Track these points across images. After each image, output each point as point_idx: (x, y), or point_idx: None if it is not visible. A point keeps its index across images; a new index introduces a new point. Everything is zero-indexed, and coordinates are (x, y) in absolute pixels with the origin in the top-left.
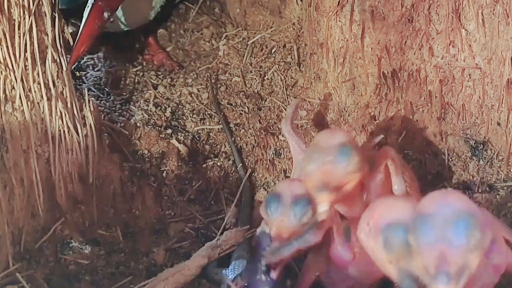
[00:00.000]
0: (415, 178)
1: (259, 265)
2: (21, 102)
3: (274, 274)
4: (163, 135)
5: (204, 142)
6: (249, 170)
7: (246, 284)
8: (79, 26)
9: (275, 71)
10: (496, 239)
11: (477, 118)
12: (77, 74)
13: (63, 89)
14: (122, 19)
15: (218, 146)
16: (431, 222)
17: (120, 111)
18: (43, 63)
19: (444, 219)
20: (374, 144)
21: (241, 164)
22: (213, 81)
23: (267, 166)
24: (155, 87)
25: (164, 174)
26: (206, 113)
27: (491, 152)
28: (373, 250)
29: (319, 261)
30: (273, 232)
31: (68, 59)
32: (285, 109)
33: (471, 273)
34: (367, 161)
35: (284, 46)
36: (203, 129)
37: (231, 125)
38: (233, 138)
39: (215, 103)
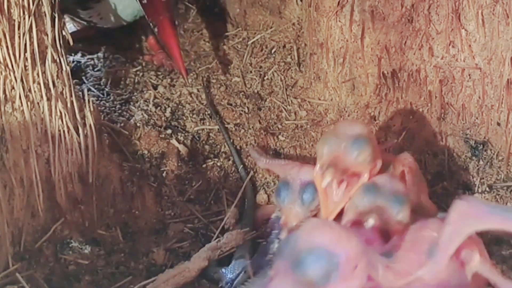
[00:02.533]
0: (426, 189)
1: (271, 247)
2: (21, 102)
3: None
4: (163, 135)
5: (204, 142)
6: (251, 172)
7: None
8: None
9: (275, 71)
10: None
11: (477, 118)
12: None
13: (63, 89)
14: (119, 6)
15: (218, 146)
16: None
17: (120, 111)
18: (43, 63)
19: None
20: (386, 148)
21: (242, 166)
22: (207, 83)
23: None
24: (155, 87)
25: (164, 174)
26: (206, 113)
27: (491, 152)
28: None
29: None
30: (282, 220)
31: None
32: (285, 109)
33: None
34: (383, 161)
35: (284, 46)
36: (203, 129)
37: (231, 125)
38: (231, 140)
39: (210, 105)
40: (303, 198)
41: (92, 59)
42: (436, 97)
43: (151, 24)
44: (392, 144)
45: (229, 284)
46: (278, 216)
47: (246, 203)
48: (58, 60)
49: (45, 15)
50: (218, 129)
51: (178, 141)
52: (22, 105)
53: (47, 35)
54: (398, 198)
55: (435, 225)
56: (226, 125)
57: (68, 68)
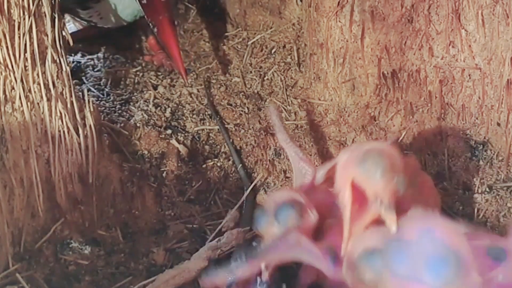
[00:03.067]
0: (434, 194)
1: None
2: (21, 103)
3: (264, 277)
4: (163, 136)
5: (204, 142)
6: (259, 177)
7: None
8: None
9: (275, 71)
10: (508, 252)
11: (477, 118)
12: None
13: (63, 89)
14: (119, 6)
15: (218, 147)
16: (406, 252)
17: (120, 111)
18: (43, 63)
19: (422, 251)
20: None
21: (241, 165)
22: (207, 84)
23: (267, 166)
24: (155, 88)
25: (164, 175)
26: (206, 113)
27: (491, 152)
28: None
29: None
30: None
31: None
32: (285, 110)
33: None
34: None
35: (284, 46)
36: (203, 130)
37: (231, 125)
38: (231, 140)
39: (210, 105)
40: (278, 217)
41: (92, 59)
42: (436, 97)
43: (150, 24)
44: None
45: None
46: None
47: (245, 204)
48: (58, 61)
49: (45, 15)
50: (218, 129)
51: (178, 141)
52: (22, 105)
53: (47, 35)
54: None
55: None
56: (226, 125)
57: (68, 68)
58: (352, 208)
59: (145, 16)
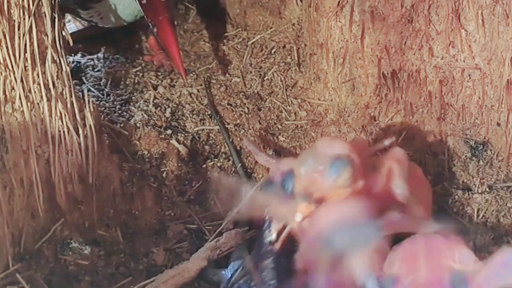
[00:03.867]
0: (427, 187)
1: (263, 240)
2: (21, 103)
3: (277, 245)
4: (163, 136)
5: (204, 142)
6: (262, 180)
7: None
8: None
9: (275, 71)
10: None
11: (477, 118)
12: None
13: (63, 89)
14: (119, 6)
15: (218, 147)
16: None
17: (120, 111)
18: (43, 63)
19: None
20: (382, 148)
21: (240, 164)
22: (207, 84)
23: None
24: (155, 88)
25: (164, 175)
26: (206, 113)
27: (491, 152)
28: None
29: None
30: (302, 189)
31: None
32: (285, 110)
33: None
34: (370, 165)
35: (284, 46)
36: (203, 130)
37: (231, 125)
38: (231, 139)
39: (210, 105)
40: (284, 186)
41: (92, 59)
42: (436, 97)
43: (150, 24)
44: (383, 147)
45: (228, 282)
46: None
47: (242, 202)
48: (58, 61)
49: (45, 15)
50: (218, 129)
51: (178, 141)
52: (22, 105)
53: (47, 35)
54: (336, 163)
55: (450, 251)
56: (226, 125)
57: (68, 68)
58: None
59: (145, 16)
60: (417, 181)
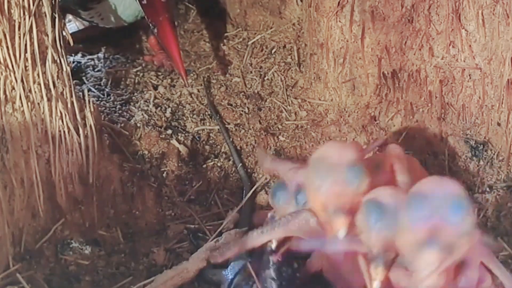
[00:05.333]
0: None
1: (266, 248)
2: (21, 103)
3: (275, 257)
4: (163, 136)
5: (204, 142)
6: (262, 179)
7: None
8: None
9: (275, 71)
10: (471, 262)
11: (477, 118)
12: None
13: (63, 89)
14: (120, 6)
15: (218, 147)
16: (425, 202)
17: (120, 111)
18: (43, 63)
19: (439, 200)
20: (375, 147)
21: (240, 164)
22: (207, 83)
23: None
24: (155, 88)
25: (164, 175)
26: (206, 113)
27: (491, 152)
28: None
29: (322, 256)
30: (332, 204)
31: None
32: (286, 110)
33: (456, 259)
34: (372, 165)
35: (284, 46)
36: (203, 130)
37: (231, 125)
38: (231, 139)
39: (210, 105)
40: (297, 199)
41: (93, 59)
42: (436, 97)
43: (150, 25)
44: (379, 144)
45: (229, 285)
46: (273, 216)
47: (244, 204)
48: (58, 61)
49: (46, 15)
50: (218, 129)
51: (179, 141)
52: (22, 105)
53: (48, 35)
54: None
55: None
56: (227, 125)
57: (68, 68)
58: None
59: (146, 17)
60: (418, 173)
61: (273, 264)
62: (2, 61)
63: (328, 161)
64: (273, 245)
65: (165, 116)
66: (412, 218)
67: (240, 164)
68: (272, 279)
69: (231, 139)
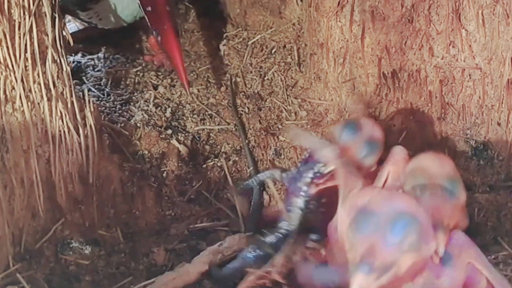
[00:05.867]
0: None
1: (305, 176)
2: (21, 103)
3: (312, 190)
4: (163, 136)
5: (204, 142)
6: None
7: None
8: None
9: (275, 71)
10: (455, 263)
11: (477, 118)
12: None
13: (63, 89)
14: (119, 6)
15: (218, 147)
16: (370, 219)
17: (120, 111)
18: (43, 63)
19: (383, 217)
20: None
21: (252, 168)
22: (230, 83)
23: (267, 166)
24: (155, 88)
25: (164, 175)
26: (206, 113)
27: (491, 152)
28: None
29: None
30: (336, 154)
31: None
32: (286, 110)
33: (398, 274)
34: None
35: (284, 46)
36: (203, 130)
37: (231, 125)
38: (247, 141)
39: (233, 107)
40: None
41: (93, 59)
42: (436, 97)
43: (154, 32)
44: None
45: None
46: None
47: (252, 207)
48: (58, 61)
49: (46, 15)
50: (218, 129)
51: (179, 141)
52: (22, 105)
53: (48, 35)
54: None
55: None
56: (227, 125)
57: (68, 68)
58: None
59: (149, 24)
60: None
61: (305, 194)
62: (2, 61)
63: (426, 174)
64: (325, 169)
65: (165, 116)
66: (354, 236)
67: (252, 167)
68: (300, 208)
69: (247, 141)
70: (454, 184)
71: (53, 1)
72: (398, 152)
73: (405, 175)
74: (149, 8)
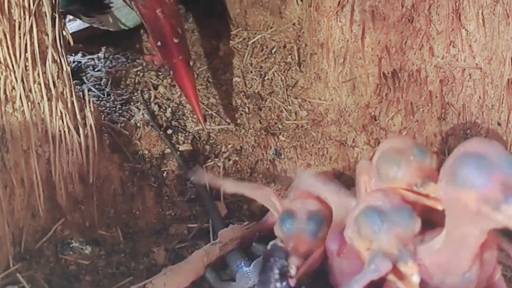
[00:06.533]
0: None
1: (271, 274)
2: (22, 103)
3: (292, 281)
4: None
5: (204, 142)
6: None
7: None
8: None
9: (275, 71)
10: (488, 244)
11: (477, 118)
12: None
13: (63, 89)
14: (122, 18)
15: (219, 147)
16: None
17: (120, 111)
18: (44, 63)
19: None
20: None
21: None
22: (145, 97)
23: (267, 166)
24: (155, 88)
25: (164, 175)
26: (207, 113)
27: None
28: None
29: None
30: (291, 247)
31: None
32: (286, 110)
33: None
34: None
35: (285, 46)
36: (203, 130)
37: (231, 125)
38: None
39: (153, 121)
40: (310, 228)
41: (93, 59)
42: (436, 97)
43: (166, 66)
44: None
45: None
46: (276, 244)
47: (210, 212)
48: (58, 60)
49: (46, 15)
50: (219, 129)
51: (179, 141)
52: (22, 105)
53: (48, 35)
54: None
55: None
56: (227, 125)
57: (68, 68)
58: None
59: (161, 58)
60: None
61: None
62: (2, 61)
63: (377, 206)
64: (293, 271)
65: (165, 116)
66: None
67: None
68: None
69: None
70: (422, 150)
71: (53, 1)
72: (363, 163)
73: (374, 164)
74: (159, 43)
